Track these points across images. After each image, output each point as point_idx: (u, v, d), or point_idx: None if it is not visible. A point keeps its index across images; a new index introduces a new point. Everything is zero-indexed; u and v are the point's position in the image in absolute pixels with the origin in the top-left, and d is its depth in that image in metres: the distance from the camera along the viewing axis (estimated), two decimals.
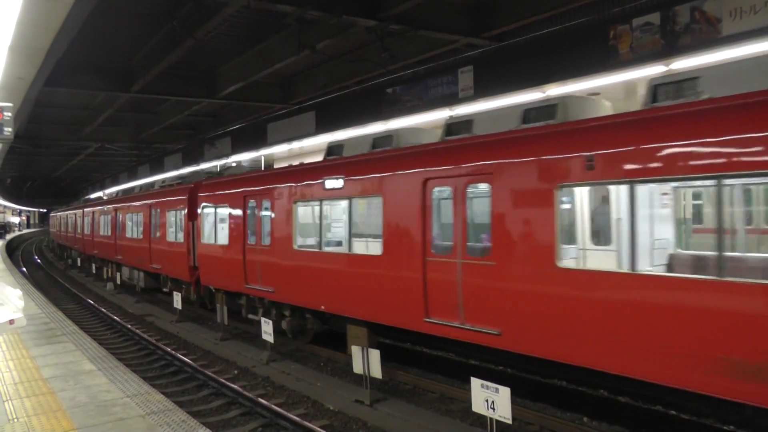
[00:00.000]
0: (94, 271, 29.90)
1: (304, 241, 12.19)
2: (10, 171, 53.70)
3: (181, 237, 17.63)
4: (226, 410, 9.66)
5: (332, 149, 12.17)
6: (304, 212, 12.20)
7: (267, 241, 12.99)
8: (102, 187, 52.38)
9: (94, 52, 18.19)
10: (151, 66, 17.97)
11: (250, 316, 14.21)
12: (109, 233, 25.99)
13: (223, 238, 15.04)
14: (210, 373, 11.09)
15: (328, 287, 10.99)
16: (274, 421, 8.80)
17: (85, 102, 25.90)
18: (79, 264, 36.01)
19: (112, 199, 28.67)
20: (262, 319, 12.21)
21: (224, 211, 15.10)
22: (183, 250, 17.23)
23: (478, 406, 7.39)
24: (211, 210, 15.65)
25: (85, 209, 32.71)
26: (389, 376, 10.49)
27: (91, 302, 20.90)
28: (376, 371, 9.22)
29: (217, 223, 15.43)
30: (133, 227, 22.34)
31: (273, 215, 12.70)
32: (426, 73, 16.51)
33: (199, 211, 16.20)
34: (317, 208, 11.64)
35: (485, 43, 14.77)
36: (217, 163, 23.81)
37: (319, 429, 8.09)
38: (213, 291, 15.83)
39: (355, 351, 9.52)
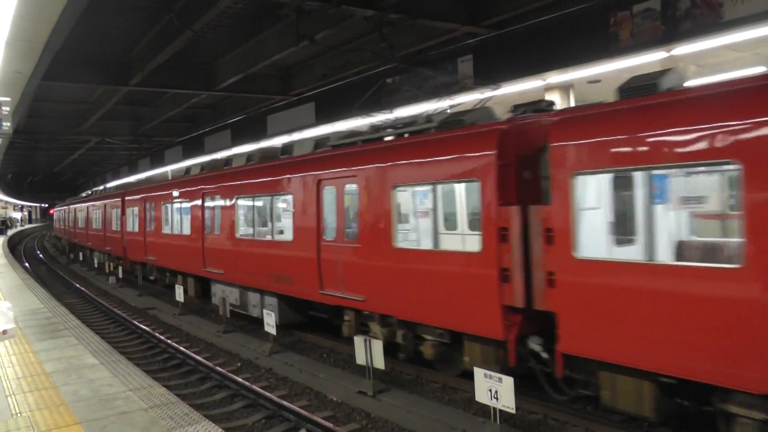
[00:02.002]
0: (96, 266, 29.94)
1: None
2: (11, 166, 53.71)
3: (466, 239, 9.46)
4: (229, 402, 9.67)
5: None
6: None
7: None
8: (104, 181, 52.27)
9: (92, 46, 18.12)
10: (149, 59, 17.90)
11: None
12: (189, 231, 17.20)
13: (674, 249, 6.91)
14: (213, 366, 11.11)
15: None
16: (278, 412, 8.82)
17: (83, 96, 25.88)
18: (81, 258, 36.04)
19: (191, 178, 18.08)
20: (265, 312, 12.12)
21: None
22: (481, 270, 7.91)
23: (482, 395, 7.40)
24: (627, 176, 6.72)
25: (127, 197, 23.62)
26: (392, 367, 10.49)
27: (94, 296, 20.92)
28: (379, 362, 9.21)
29: (635, 207, 6.76)
30: (261, 223, 13.96)
31: None
32: (425, 63, 16.43)
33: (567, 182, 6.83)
34: None
35: (484, 31, 14.66)
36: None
37: (322, 420, 8.11)
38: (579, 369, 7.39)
39: (358, 342, 9.51)
